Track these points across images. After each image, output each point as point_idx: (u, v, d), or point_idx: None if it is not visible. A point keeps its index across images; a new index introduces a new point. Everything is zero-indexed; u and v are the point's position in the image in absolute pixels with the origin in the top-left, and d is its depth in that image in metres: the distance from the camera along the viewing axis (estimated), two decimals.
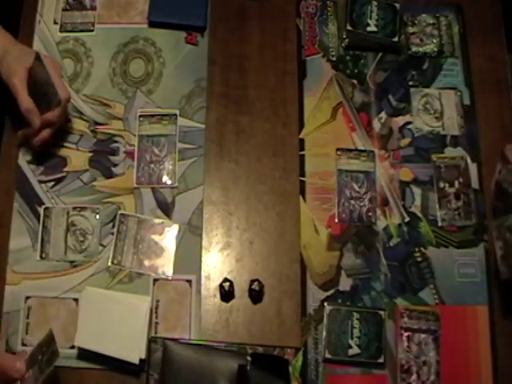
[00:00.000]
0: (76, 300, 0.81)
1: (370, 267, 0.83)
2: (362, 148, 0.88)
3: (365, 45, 0.93)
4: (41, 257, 0.83)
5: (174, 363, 0.76)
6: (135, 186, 0.87)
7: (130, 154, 0.88)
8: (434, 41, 0.94)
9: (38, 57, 0.80)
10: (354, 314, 0.80)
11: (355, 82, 0.92)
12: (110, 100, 0.91)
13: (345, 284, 0.82)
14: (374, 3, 0.92)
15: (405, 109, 0.91)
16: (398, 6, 0.92)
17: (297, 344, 0.79)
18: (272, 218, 0.85)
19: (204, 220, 0.85)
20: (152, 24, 0.94)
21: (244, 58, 0.93)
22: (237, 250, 0.84)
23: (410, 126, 0.90)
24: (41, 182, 0.87)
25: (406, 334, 0.80)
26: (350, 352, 0.79)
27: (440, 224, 0.85)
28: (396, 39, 0.91)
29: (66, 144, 0.89)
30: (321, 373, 0.79)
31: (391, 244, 0.84)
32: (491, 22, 0.95)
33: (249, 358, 0.77)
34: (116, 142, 0.89)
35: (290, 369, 0.78)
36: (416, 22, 0.95)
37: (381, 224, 0.85)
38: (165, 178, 0.87)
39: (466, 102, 0.91)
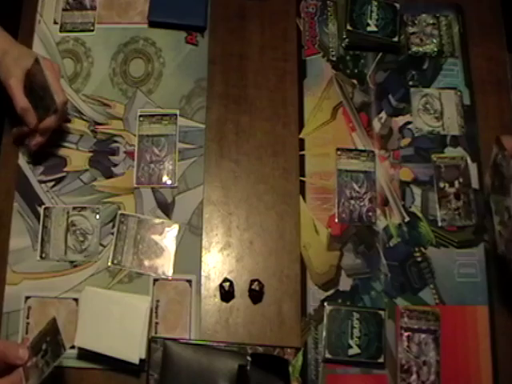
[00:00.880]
0: (76, 300, 0.81)
1: (370, 267, 0.83)
2: (362, 148, 0.88)
3: (365, 45, 0.93)
4: (41, 257, 0.83)
5: (174, 363, 0.76)
6: (135, 186, 0.87)
7: (130, 154, 0.88)
8: (434, 41, 0.94)
9: (37, 60, 0.80)
10: (354, 313, 0.80)
11: (355, 81, 0.92)
12: (110, 100, 0.91)
13: (345, 284, 0.82)
14: (374, 3, 0.92)
15: (405, 109, 0.91)
16: (398, 5, 0.92)
17: (297, 344, 0.79)
18: (272, 217, 0.85)
19: (204, 220, 0.85)
20: (152, 24, 0.94)
21: (244, 58, 0.93)
22: (237, 250, 0.84)
23: (410, 126, 0.90)
24: (41, 181, 0.87)
25: (405, 333, 0.80)
26: (350, 352, 0.79)
27: (440, 224, 0.85)
28: (396, 39, 0.91)
29: (65, 144, 0.89)
30: (321, 373, 0.79)
31: (391, 244, 0.84)
32: (491, 22, 0.95)
33: (249, 358, 0.77)
34: (116, 142, 0.89)
35: (290, 369, 0.78)
36: (416, 21, 0.95)
37: (381, 224, 0.85)
38: (165, 178, 0.87)
39: (466, 102, 0.91)
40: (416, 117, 0.90)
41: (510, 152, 0.76)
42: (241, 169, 0.87)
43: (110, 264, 0.83)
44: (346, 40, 0.93)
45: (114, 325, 0.77)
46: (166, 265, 0.83)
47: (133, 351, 0.76)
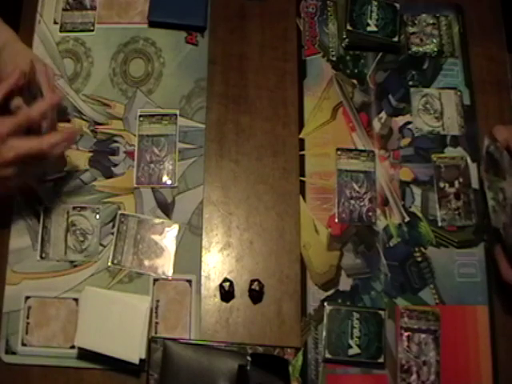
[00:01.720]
0: (76, 300, 0.81)
1: (370, 267, 0.83)
2: (362, 148, 0.88)
3: (365, 45, 0.93)
4: (41, 257, 0.83)
5: (174, 363, 0.76)
6: (135, 185, 0.87)
7: (130, 154, 0.88)
8: (434, 41, 0.94)
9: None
10: (354, 313, 0.80)
11: (355, 81, 0.92)
12: (110, 100, 0.91)
13: (345, 284, 0.82)
14: (374, 3, 0.92)
15: (405, 109, 0.91)
16: (398, 5, 0.92)
17: (297, 344, 0.80)
18: (272, 217, 0.85)
19: (204, 220, 0.85)
20: (152, 24, 0.94)
21: (244, 58, 0.93)
22: (237, 250, 0.84)
23: (410, 126, 0.90)
24: (41, 182, 0.87)
25: (405, 333, 0.80)
26: (350, 352, 0.79)
27: (440, 224, 0.85)
28: (396, 39, 0.91)
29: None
30: (321, 373, 0.79)
31: (391, 244, 0.84)
32: (491, 22, 0.95)
33: (249, 358, 0.77)
34: (116, 141, 0.89)
35: (290, 369, 0.78)
36: (416, 21, 0.95)
37: (381, 224, 0.85)
38: (165, 178, 0.87)
39: (466, 102, 0.91)
40: (416, 117, 0.90)
41: (503, 143, 0.77)
42: (241, 169, 0.87)
43: (109, 264, 0.83)
44: (346, 40, 0.93)
45: (114, 325, 0.77)
46: (166, 265, 0.83)
47: (133, 351, 0.76)
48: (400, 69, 0.93)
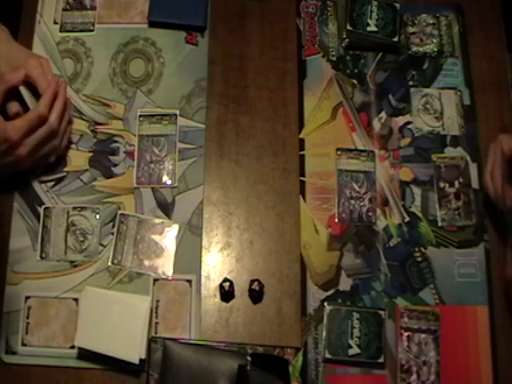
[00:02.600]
0: (76, 300, 0.81)
1: (370, 267, 0.83)
2: (362, 148, 0.88)
3: (365, 45, 0.93)
4: (41, 257, 0.83)
5: (174, 363, 0.76)
6: (135, 185, 0.87)
7: (130, 154, 0.88)
8: (434, 41, 0.94)
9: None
10: (354, 313, 0.80)
11: (355, 81, 0.92)
12: (110, 100, 0.91)
13: (345, 284, 0.82)
14: (374, 3, 0.92)
15: (405, 109, 0.91)
16: (398, 5, 0.92)
17: (297, 344, 0.80)
18: (272, 217, 0.85)
19: (204, 220, 0.85)
20: (152, 24, 0.94)
21: (244, 58, 0.93)
22: (237, 250, 0.84)
23: (410, 126, 0.90)
24: (41, 181, 0.87)
25: (406, 333, 0.80)
26: (350, 352, 0.79)
27: (440, 224, 0.85)
28: (396, 39, 0.91)
29: None
30: (321, 373, 0.79)
31: (391, 244, 0.84)
32: (491, 22, 0.95)
33: (249, 358, 0.77)
34: (116, 141, 0.89)
35: (290, 369, 0.78)
36: (416, 21, 0.95)
37: (381, 224, 0.85)
38: (165, 178, 0.87)
39: (466, 102, 0.91)
40: (416, 117, 0.90)
41: (508, 153, 0.77)
42: (241, 169, 0.87)
43: (110, 264, 0.83)
44: (346, 40, 0.93)
45: (114, 325, 0.77)
46: (166, 265, 0.83)
47: (133, 351, 0.76)
48: (400, 69, 0.93)
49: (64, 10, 0.96)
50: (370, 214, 0.85)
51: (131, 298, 0.80)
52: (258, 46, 0.93)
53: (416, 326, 0.80)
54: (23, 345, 0.80)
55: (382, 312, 0.80)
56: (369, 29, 0.91)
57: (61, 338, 0.80)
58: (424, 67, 0.93)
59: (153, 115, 0.90)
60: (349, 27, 0.91)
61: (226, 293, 0.80)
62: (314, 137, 0.89)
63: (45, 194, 0.86)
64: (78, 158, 0.88)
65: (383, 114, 0.90)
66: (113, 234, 0.84)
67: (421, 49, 0.94)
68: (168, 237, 0.84)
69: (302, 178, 0.87)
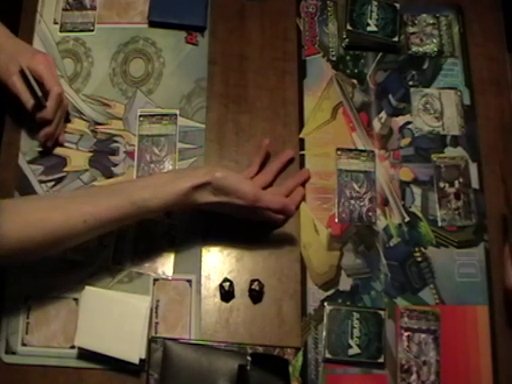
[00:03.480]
0: (76, 300, 0.81)
1: (370, 267, 0.83)
2: (362, 148, 0.88)
3: (365, 45, 0.93)
4: None
5: (174, 363, 0.76)
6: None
7: (130, 154, 0.88)
8: (434, 41, 0.94)
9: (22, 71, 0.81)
10: (354, 313, 0.80)
11: (355, 81, 0.92)
12: (110, 100, 0.91)
13: (345, 284, 0.82)
14: (374, 3, 0.92)
15: (405, 109, 0.91)
16: (398, 5, 0.92)
17: (297, 344, 0.79)
18: None
19: (204, 220, 0.85)
20: (152, 24, 0.94)
21: (244, 58, 0.93)
22: (237, 250, 0.84)
23: (410, 126, 0.90)
24: (41, 181, 0.87)
25: (405, 333, 0.80)
26: (350, 352, 0.79)
27: (440, 224, 0.85)
28: (396, 39, 0.91)
29: (66, 144, 0.89)
30: (321, 373, 0.79)
31: (391, 244, 0.84)
32: (491, 22, 0.95)
33: (249, 358, 0.77)
34: (116, 141, 0.89)
35: (290, 369, 0.78)
36: (416, 21, 0.95)
37: (381, 224, 0.85)
38: None
39: (466, 102, 0.91)
40: (416, 117, 0.90)
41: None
42: (241, 169, 0.87)
43: (110, 264, 0.82)
44: (346, 40, 0.93)
45: (114, 325, 0.77)
46: (166, 265, 0.82)
47: (133, 351, 0.76)
48: (400, 69, 0.93)
49: (64, 10, 0.96)
50: (370, 213, 0.85)
51: (131, 297, 0.80)
52: (257, 45, 0.93)
53: (416, 325, 0.80)
54: (23, 345, 0.80)
55: (381, 312, 0.80)
56: (369, 29, 0.91)
57: (61, 338, 0.80)
58: (424, 67, 0.93)
59: (153, 115, 0.90)
60: (349, 27, 0.91)
61: (226, 293, 0.80)
62: (313, 137, 0.89)
63: (45, 194, 0.86)
64: (77, 158, 0.88)
65: (383, 114, 0.90)
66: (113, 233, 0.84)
67: (421, 49, 0.94)
68: (168, 237, 0.84)
69: None
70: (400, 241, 0.84)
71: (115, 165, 0.88)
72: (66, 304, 0.81)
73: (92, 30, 0.94)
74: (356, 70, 0.92)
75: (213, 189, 0.73)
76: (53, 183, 0.87)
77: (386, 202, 0.86)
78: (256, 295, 0.80)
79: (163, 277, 0.82)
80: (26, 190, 0.86)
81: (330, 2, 0.96)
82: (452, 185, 0.87)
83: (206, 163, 0.87)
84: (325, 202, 0.86)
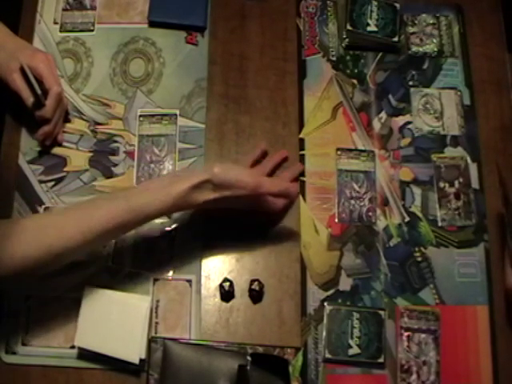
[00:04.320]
0: (76, 300, 0.81)
1: (370, 267, 0.83)
2: (362, 148, 0.88)
3: (365, 45, 0.93)
4: None
5: (174, 363, 0.76)
6: (135, 185, 0.87)
7: (130, 154, 0.88)
8: (434, 41, 0.94)
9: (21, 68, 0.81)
10: (354, 313, 0.80)
11: (355, 81, 0.92)
12: (110, 100, 0.91)
13: (345, 284, 0.82)
14: (374, 3, 0.92)
15: (405, 109, 0.91)
16: (398, 5, 0.92)
17: (297, 344, 0.79)
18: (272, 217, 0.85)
19: (204, 220, 0.85)
20: (152, 24, 0.94)
21: (244, 58, 0.93)
22: (237, 250, 0.84)
23: (409, 126, 0.90)
24: (41, 181, 0.87)
25: (406, 333, 0.80)
26: (350, 352, 0.79)
27: (440, 224, 0.85)
28: (396, 39, 0.91)
29: (65, 144, 0.89)
30: (321, 373, 0.79)
31: (391, 244, 0.84)
32: (491, 22, 0.95)
33: (249, 358, 0.77)
34: (116, 141, 0.89)
35: (290, 369, 0.78)
36: (416, 21, 0.95)
37: (381, 224, 0.85)
38: None
39: (466, 102, 0.91)
40: (416, 117, 0.90)
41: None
42: None
43: (109, 264, 0.82)
44: (346, 40, 0.93)
45: (114, 325, 0.77)
46: (165, 265, 0.82)
47: (133, 351, 0.76)
48: (400, 69, 0.93)
49: (64, 10, 0.96)
50: (370, 213, 0.85)
51: (131, 297, 0.80)
52: (257, 45, 0.93)
53: (416, 326, 0.80)
54: (23, 345, 0.80)
55: (381, 312, 0.80)
56: (369, 29, 0.91)
57: (61, 337, 0.80)
58: (424, 67, 0.93)
59: (153, 115, 0.90)
60: (349, 27, 0.91)
61: (226, 293, 0.80)
62: (313, 137, 0.89)
63: (45, 193, 0.86)
64: (77, 158, 0.88)
65: (383, 114, 0.90)
66: None
67: (421, 49, 0.94)
68: (167, 237, 0.84)
69: (301, 178, 0.87)
70: (400, 241, 0.84)
71: (115, 165, 0.88)
72: (65, 304, 0.81)
73: (92, 30, 0.94)
74: (356, 70, 0.92)
75: (213, 185, 0.72)
76: (53, 183, 0.87)
77: (386, 202, 0.86)
78: (256, 295, 0.80)
79: (163, 277, 0.82)
80: (26, 189, 0.86)
81: (330, 2, 0.96)
82: (452, 185, 0.87)
83: (206, 163, 0.87)
84: (325, 202, 0.86)
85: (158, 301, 0.81)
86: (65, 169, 0.88)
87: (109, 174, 0.87)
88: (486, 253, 0.84)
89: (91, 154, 0.88)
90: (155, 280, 0.82)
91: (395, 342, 0.80)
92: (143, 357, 0.76)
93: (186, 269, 0.83)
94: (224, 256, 0.84)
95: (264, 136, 0.89)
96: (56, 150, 0.88)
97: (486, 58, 0.93)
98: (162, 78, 0.92)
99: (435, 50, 0.94)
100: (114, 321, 0.77)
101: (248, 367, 0.76)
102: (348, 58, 0.93)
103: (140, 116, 0.90)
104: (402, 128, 0.90)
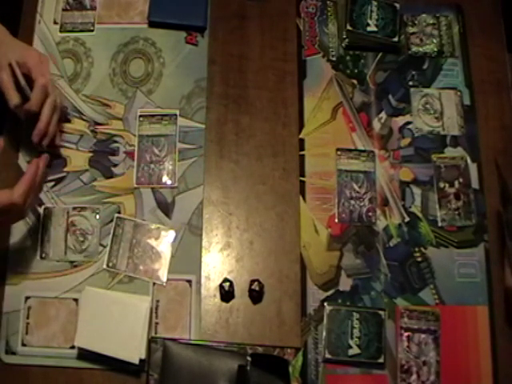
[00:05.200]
0: (76, 300, 0.81)
1: (370, 267, 0.83)
2: (362, 148, 0.88)
3: (365, 45, 0.93)
4: (41, 257, 0.83)
5: (174, 363, 0.76)
6: (135, 186, 0.87)
7: (130, 154, 0.88)
8: (434, 41, 0.94)
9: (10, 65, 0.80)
10: (354, 314, 0.80)
11: (355, 81, 0.92)
12: (110, 100, 0.91)
13: (345, 284, 0.82)
14: (374, 3, 0.92)
15: (405, 109, 0.91)
16: (398, 5, 0.92)
17: (297, 344, 0.79)
18: (272, 217, 0.85)
19: (204, 220, 0.85)
20: (152, 24, 0.94)
21: (244, 58, 0.93)
22: (237, 250, 0.84)
23: (410, 126, 0.90)
24: None
25: (405, 334, 0.80)
26: (350, 352, 0.79)
27: (440, 224, 0.85)
28: (396, 39, 0.91)
29: (66, 144, 0.89)
30: (321, 373, 0.79)
31: (391, 244, 0.84)
32: (491, 22, 0.95)
33: (249, 358, 0.77)
34: (116, 142, 0.89)
35: (290, 369, 0.78)
36: (416, 21, 0.95)
37: (381, 224, 0.85)
38: (165, 178, 0.87)
39: (466, 102, 0.91)
40: (416, 117, 0.90)
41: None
42: (241, 169, 0.87)
43: (105, 266, 0.82)
44: (346, 40, 0.93)
45: (114, 325, 0.77)
46: (161, 270, 0.82)
47: (133, 351, 0.76)
48: (400, 69, 0.93)
49: (64, 10, 0.96)
50: (370, 214, 0.85)
51: (131, 298, 0.80)
52: (257, 46, 0.93)
53: (416, 326, 0.80)
54: (23, 345, 0.80)
55: (381, 312, 0.80)
56: (369, 29, 0.91)
57: (61, 338, 0.80)
58: (424, 67, 0.93)
59: (153, 115, 0.90)
60: (349, 27, 0.91)
61: (226, 293, 0.80)
62: (313, 137, 0.89)
63: (45, 194, 0.86)
64: (78, 158, 0.88)
65: (383, 114, 0.90)
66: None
67: (421, 49, 0.94)
68: (164, 242, 0.84)
69: (301, 178, 0.87)
70: (400, 241, 0.84)
71: (115, 165, 0.88)
72: (66, 304, 0.81)
73: (92, 30, 0.94)
74: (356, 70, 0.92)
75: None
76: (53, 183, 0.87)
77: (385, 202, 0.86)
78: (256, 295, 0.80)
79: (158, 282, 0.81)
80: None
81: (330, 2, 0.96)
82: (452, 185, 0.87)
83: (206, 163, 0.87)
84: (325, 202, 0.86)
85: (157, 301, 0.81)
86: (65, 169, 0.88)
87: (109, 174, 0.87)
88: (485, 253, 0.84)
89: (91, 154, 0.88)
90: None
91: (395, 342, 0.80)
92: (143, 357, 0.76)
93: (186, 269, 0.83)
94: (224, 256, 0.84)
95: (264, 136, 0.89)
96: (56, 150, 0.88)
97: (486, 58, 0.93)
98: (161, 78, 0.92)
99: (435, 50, 0.94)
100: (114, 321, 0.77)
101: (248, 367, 0.76)
102: (348, 58, 0.93)
103: (140, 116, 0.90)
104: (402, 128, 0.90)
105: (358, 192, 0.86)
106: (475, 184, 0.87)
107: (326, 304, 0.81)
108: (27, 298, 0.82)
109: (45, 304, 0.81)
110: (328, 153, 0.88)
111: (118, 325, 0.77)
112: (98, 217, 0.85)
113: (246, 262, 0.83)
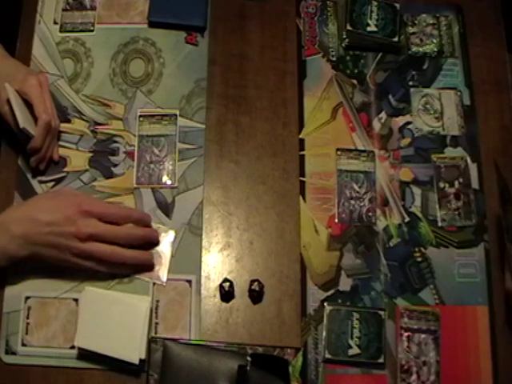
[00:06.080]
0: (76, 300, 0.81)
1: (370, 267, 0.83)
2: (362, 148, 0.88)
3: (365, 45, 0.93)
4: None
5: (174, 363, 0.76)
6: (135, 186, 0.87)
7: (130, 154, 0.88)
8: (434, 41, 0.94)
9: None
10: (354, 314, 0.80)
11: (355, 82, 0.92)
12: (110, 100, 0.91)
13: (345, 284, 0.82)
14: (374, 3, 0.92)
15: (405, 109, 0.91)
16: (398, 5, 0.92)
17: (297, 344, 0.80)
18: (272, 218, 0.85)
19: (204, 220, 0.85)
20: (152, 24, 0.94)
21: (244, 58, 0.93)
22: (237, 250, 0.84)
23: (410, 126, 0.90)
24: (41, 182, 0.87)
25: (405, 334, 0.80)
26: (350, 352, 0.79)
27: (440, 224, 0.85)
28: (396, 39, 0.91)
29: (66, 144, 0.89)
30: (321, 373, 0.79)
31: (391, 244, 0.84)
32: (491, 22, 0.95)
33: (249, 358, 0.77)
34: (116, 142, 0.89)
35: (290, 369, 0.78)
36: (416, 21, 0.95)
37: (381, 224, 0.85)
38: (165, 178, 0.87)
39: (466, 102, 0.91)
40: (416, 117, 0.90)
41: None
42: (241, 169, 0.87)
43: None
44: (346, 40, 0.93)
45: (114, 325, 0.77)
46: (160, 270, 0.82)
47: (133, 351, 0.76)
48: (400, 69, 0.93)
49: (64, 10, 0.96)
50: (370, 214, 0.85)
51: (131, 298, 0.80)
52: (257, 46, 0.93)
53: (416, 326, 0.80)
54: (23, 345, 0.80)
55: (381, 312, 0.80)
56: (369, 29, 0.91)
57: (61, 338, 0.80)
58: (424, 67, 0.93)
59: (153, 115, 0.90)
60: (349, 27, 0.91)
61: (226, 293, 0.80)
62: (313, 137, 0.89)
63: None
64: (77, 158, 0.88)
65: (383, 114, 0.90)
66: None
67: (421, 49, 0.94)
68: (163, 243, 0.83)
69: (301, 178, 0.87)
70: (400, 241, 0.84)
71: (115, 165, 0.88)
72: (66, 304, 0.81)
73: (92, 31, 0.94)
74: (356, 70, 0.92)
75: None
76: (53, 183, 0.87)
77: (385, 203, 0.86)
78: (256, 295, 0.81)
79: (158, 282, 0.81)
80: (26, 189, 0.86)
81: (330, 2, 0.96)
82: (452, 185, 0.87)
83: (206, 163, 0.87)
84: (325, 202, 0.86)
85: (157, 301, 0.81)
86: (65, 169, 0.88)
87: (109, 175, 0.87)
88: (485, 253, 0.84)
89: (91, 155, 0.88)
90: None
91: (395, 342, 0.80)
92: (143, 357, 0.76)
93: (185, 269, 0.83)
94: (224, 256, 0.84)
95: (264, 136, 0.89)
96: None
97: (486, 58, 0.93)
98: (161, 78, 0.92)
99: (435, 50, 0.94)
100: (114, 321, 0.77)
101: (248, 367, 0.76)
102: (348, 58, 0.93)
103: (140, 116, 0.90)
104: (401, 128, 0.90)
105: (358, 192, 0.86)
106: (475, 184, 0.87)
107: (325, 304, 0.81)
108: (27, 297, 0.81)
109: (45, 304, 0.81)
110: (328, 153, 0.88)
111: (117, 325, 0.77)
112: None
113: (246, 262, 0.83)
